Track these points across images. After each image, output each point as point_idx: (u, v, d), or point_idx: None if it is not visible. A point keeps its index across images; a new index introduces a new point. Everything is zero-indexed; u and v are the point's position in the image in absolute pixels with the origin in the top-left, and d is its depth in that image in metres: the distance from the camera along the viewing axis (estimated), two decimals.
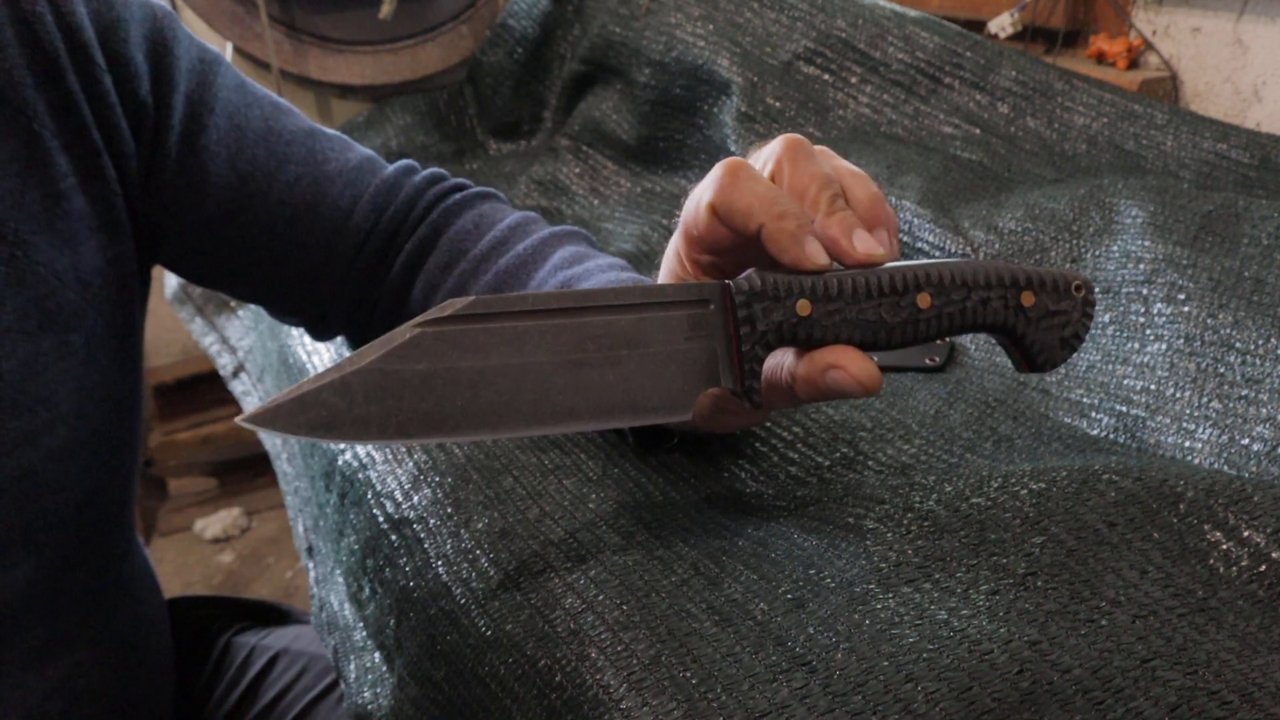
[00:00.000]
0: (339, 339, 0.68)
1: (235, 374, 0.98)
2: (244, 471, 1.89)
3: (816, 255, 0.37)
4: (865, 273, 0.38)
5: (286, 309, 0.59)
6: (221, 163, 0.52)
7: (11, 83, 0.43)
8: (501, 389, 0.35)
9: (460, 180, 0.60)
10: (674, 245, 0.43)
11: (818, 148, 0.41)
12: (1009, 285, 0.39)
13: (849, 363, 0.37)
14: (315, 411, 0.33)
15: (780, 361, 0.39)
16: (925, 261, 0.39)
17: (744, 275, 0.38)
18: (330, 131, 0.58)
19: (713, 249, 0.40)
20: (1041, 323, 0.39)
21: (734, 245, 0.39)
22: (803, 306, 0.37)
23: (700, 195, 0.39)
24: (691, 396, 0.37)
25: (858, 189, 0.39)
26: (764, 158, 0.40)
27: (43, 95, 0.44)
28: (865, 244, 0.38)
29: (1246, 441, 0.49)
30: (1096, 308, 0.60)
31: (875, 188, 0.40)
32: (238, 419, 0.34)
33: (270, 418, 0.33)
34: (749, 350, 0.37)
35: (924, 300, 0.38)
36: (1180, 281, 0.57)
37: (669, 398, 0.37)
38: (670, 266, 0.43)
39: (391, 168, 0.58)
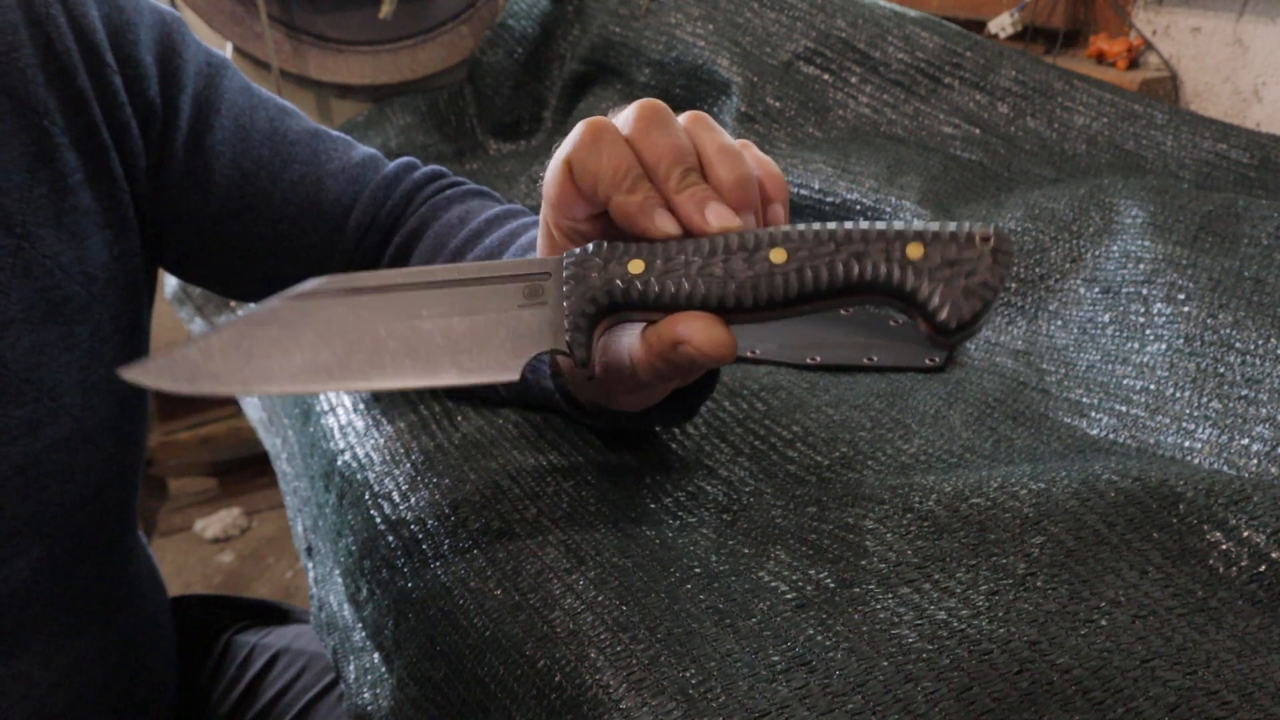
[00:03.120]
0: None
1: None
2: (244, 471, 1.89)
3: (665, 225, 0.35)
4: (713, 236, 0.35)
5: None
6: (227, 162, 0.53)
7: (24, 81, 0.45)
8: (336, 349, 0.38)
9: (458, 178, 0.60)
10: (543, 214, 0.41)
11: (693, 114, 0.38)
12: (890, 239, 0.34)
13: (694, 332, 0.35)
14: (180, 367, 0.38)
15: (626, 338, 0.38)
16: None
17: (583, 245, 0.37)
18: (334, 133, 0.59)
19: (572, 213, 0.39)
20: (935, 274, 0.34)
21: (593, 213, 0.38)
22: (635, 266, 0.36)
23: (557, 155, 0.38)
24: (519, 358, 0.38)
25: (721, 168, 0.36)
26: (620, 123, 0.38)
27: (53, 94, 0.46)
28: (721, 216, 0.35)
29: (1246, 441, 0.49)
30: (1097, 307, 0.60)
31: (747, 168, 0.36)
32: (120, 370, 0.38)
33: (141, 370, 0.38)
34: (573, 305, 0.36)
35: (778, 255, 0.34)
36: (1180, 281, 0.57)
37: (495, 359, 0.38)
38: (540, 240, 0.42)
39: (392, 164, 0.59)
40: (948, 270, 0.34)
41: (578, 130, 0.37)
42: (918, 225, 0.34)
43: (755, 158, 0.38)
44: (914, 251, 0.34)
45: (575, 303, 0.36)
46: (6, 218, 0.44)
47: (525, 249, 0.52)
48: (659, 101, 0.38)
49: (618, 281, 0.36)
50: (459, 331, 0.38)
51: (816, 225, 0.35)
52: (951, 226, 0.34)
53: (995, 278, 0.34)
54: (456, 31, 1.39)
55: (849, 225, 0.35)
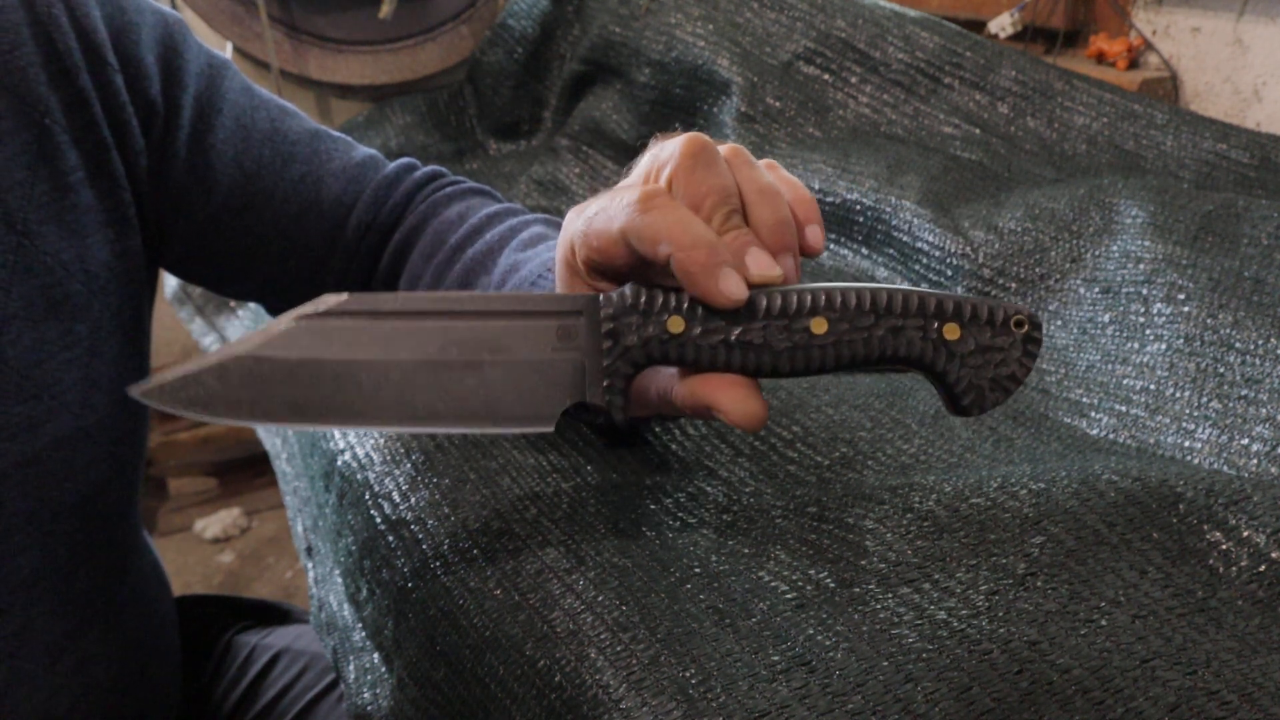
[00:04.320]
0: None
1: None
2: (244, 471, 1.89)
3: (732, 290, 0.34)
4: (753, 291, 0.34)
5: (287, 307, 0.59)
6: (228, 161, 0.53)
7: (25, 80, 0.45)
8: (364, 384, 0.36)
9: (458, 178, 0.61)
10: (564, 254, 0.40)
11: (732, 148, 0.38)
12: (930, 314, 0.34)
13: (728, 403, 0.34)
14: (195, 390, 0.36)
15: (656, 379, 0.38)
16: (833, 284, 0.35)
17: (620, 289, 0.36)
18: (335, 133, 0.59)
19: (614, 262, 0.37)
20: (969, 360, 0.34)
21: (637, 266, 0.37)
22: (675, 323, 0.35)
23: (610, 219, 0.36)
24: (555, 409, 0.36)
25: (763, 209, 0.36)
26: (663, 160, 0.37)
27: (55, 92, 0.46)
28: (761, 265, 0.35)
29: (1246, 441, 0.49)
30: (1097, 307, 0.60)
31: (785, 210, 0.36)
32: (130, 388, 0.36)
33: (156, 392, 0.36)
34: (611, 365, 0.35)
35: (819, 325, 0.34)
36: (1180, 281, 0.57)
37: (530, 408, 0.36)
38: (560, 270, 0.41)
39: (393, 165, 0.59)
40: (980, 358, 0.34)
41: (631, 201, 0.35)
42: (956, 298, 0.35)
43: (784, 180, 0.38)
44: (950, 333, 0.34)
45: (614, 364, 0.36)
46: (7, 215, 0.44)
47: (526, 244, 0.52)
48: (704, 137, 0.37)
49: (656, 341, 0.35)
50: (491, 376, 0.36)
51: (855, 288, 0.35)
52: (989, 306, 0.35)
53: (1022, 370, 0.35)
54: (456, 31, 1.39)
55: (888, 290, 0.35)
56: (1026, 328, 0.34)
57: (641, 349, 0.35)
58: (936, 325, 0.34)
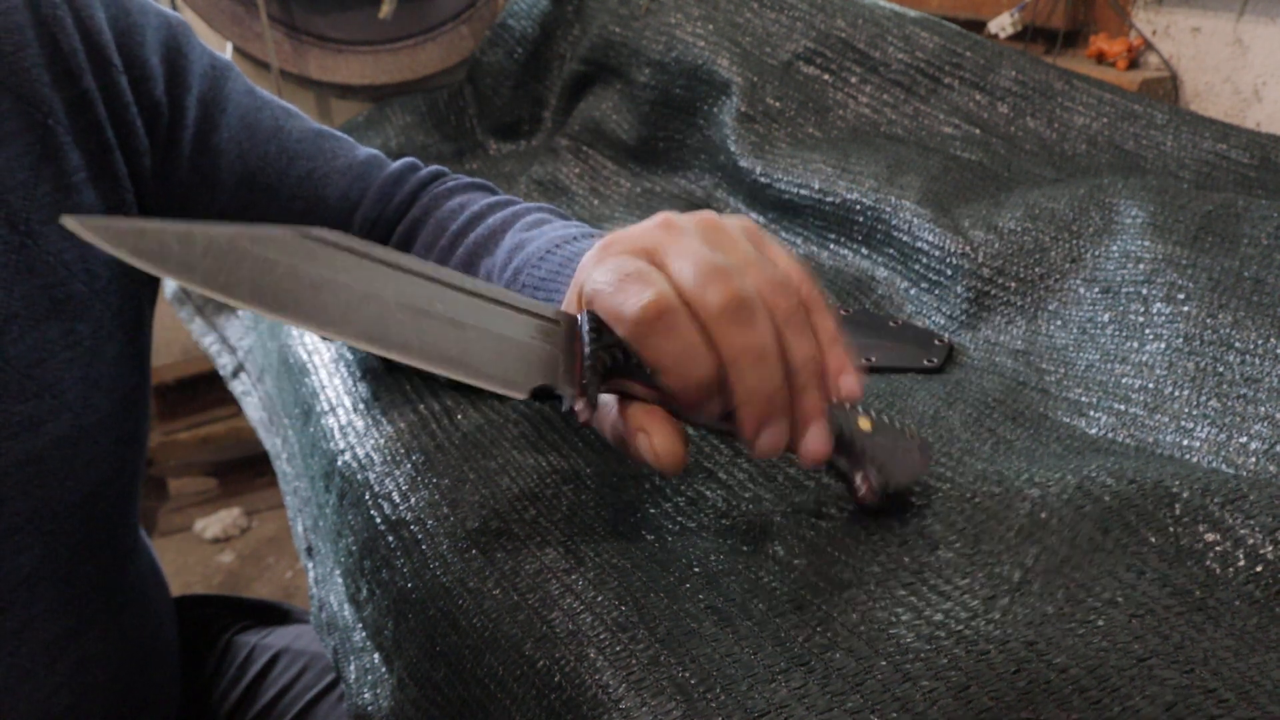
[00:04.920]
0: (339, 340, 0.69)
1: (235, 374, 0.98)
2: (244, 471, 1.89)
3: (770, 447, 0.36)
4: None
5: None
6: (234, 159, 0.54)
7: (29, 81, 0.45)
8: (340, 300, 0.36)
9: (459, 175, 0.62)
10: (573, 297, 0.40)
11: (739, 242, 0.37)
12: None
13: (655, 433, 0.36)
14: (149, 242, 0.33)
15: (607, 403, 0.39)
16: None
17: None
18: (338, 133, 0.60)
19: None
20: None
21: None
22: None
23: (619, 308, 0.36)
24: (529, 381, 0.37)
25: (801, 347, 0.36)
26: (681, 284, 0.35)
27: (59, 93, 0.46)
28: (817, 443, 0.37)
29: (1245, 440, 0.49)
30: (1097, 307, 0.60)
31: (778, 378, 0.36)
32: (63, 218, 0.33)
33: (105, 229, 0.33)
34: (594, 352, 0.37)
35: None
36: (1180, 281, 0.57)
37: (506, 373, 0.37)
38: (572, 297, 0.41)
39: (396, 164, 0.60)
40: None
41: (639, 306, 0.35)
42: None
43: (822, 330, 0.38)
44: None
45: (595, 351, 0.37)
46: (11, 215, 0.45)
47: (530, 226, 0.53)
48: (745, 293, 0.35)
49: (620, 359, 0.37)
50: (470, 335, 0.37)
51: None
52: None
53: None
54: (456, 31, 1.39)
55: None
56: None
57: (607, 366, 0.37)
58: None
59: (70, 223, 0.33)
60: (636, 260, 0.37)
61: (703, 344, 0.35)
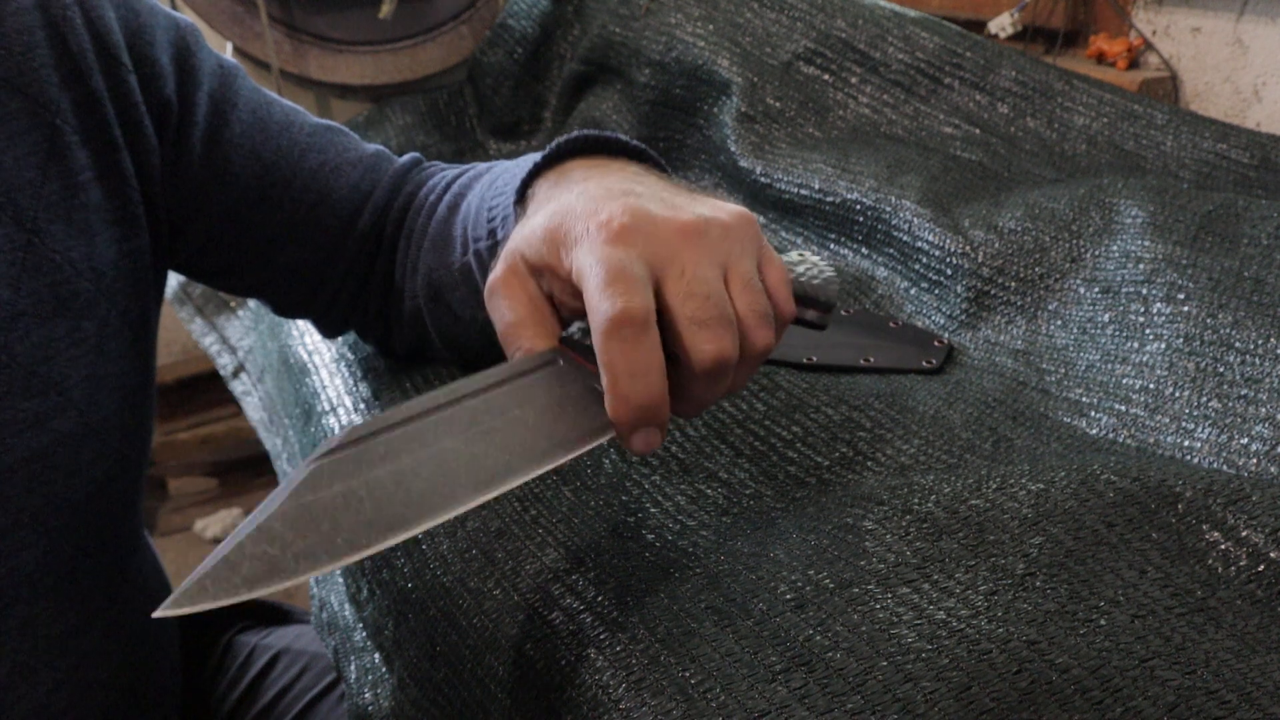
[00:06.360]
0: (340, 340, 0.69)
1: (235, 374, 0.98)
2: (244, 471, 1.89)
3: (641, 447, 0.36)
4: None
5: (298, 299, 0.62)
6: (246, 154, 0.55)
7: (37, 80, 0.46)
8: (428, 476, 0.33)
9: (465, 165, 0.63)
10: (506, 267, 0.39)
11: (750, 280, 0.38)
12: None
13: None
14: (249, 566, 0.30)
15: None
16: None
17: (574, 327, 0.39)
18: (344, 128, 0.62)
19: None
20: None
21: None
22: None
23: (594, 305, 0.35)
24: (605, 423, 0.36)
25: (758, 343, 0.38)
26: (675, 318, 0.36)
27: (67, 93, 0.47)
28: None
29: (1245, 441, 0.49)
30: (1097, 307, 0.60)
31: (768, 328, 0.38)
32: (157, 613, 0.30)
33: (198, 591, 0.29)
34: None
35: None
36: (1180, 281, 0.57)
37: (584, 426, 0.36)
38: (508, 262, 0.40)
39: (404, 158, 0.62)
40: None
41: (609, 315, 0.34)
42: None
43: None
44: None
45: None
46: (18, 213, 0.45)
47: (490, 173, 0.55)
48: (727, 358, 0.36)
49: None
50: (531, 419, 0.36)
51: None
52: None
53: None
54: (456, 31, 1.39)
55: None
56: None
57: None
58: None
59: (162, 613, 0.29)
60: (639, 264, 0.36)
61: (658, 372, 0.35)
